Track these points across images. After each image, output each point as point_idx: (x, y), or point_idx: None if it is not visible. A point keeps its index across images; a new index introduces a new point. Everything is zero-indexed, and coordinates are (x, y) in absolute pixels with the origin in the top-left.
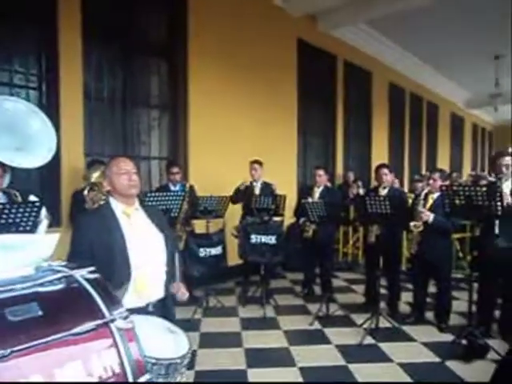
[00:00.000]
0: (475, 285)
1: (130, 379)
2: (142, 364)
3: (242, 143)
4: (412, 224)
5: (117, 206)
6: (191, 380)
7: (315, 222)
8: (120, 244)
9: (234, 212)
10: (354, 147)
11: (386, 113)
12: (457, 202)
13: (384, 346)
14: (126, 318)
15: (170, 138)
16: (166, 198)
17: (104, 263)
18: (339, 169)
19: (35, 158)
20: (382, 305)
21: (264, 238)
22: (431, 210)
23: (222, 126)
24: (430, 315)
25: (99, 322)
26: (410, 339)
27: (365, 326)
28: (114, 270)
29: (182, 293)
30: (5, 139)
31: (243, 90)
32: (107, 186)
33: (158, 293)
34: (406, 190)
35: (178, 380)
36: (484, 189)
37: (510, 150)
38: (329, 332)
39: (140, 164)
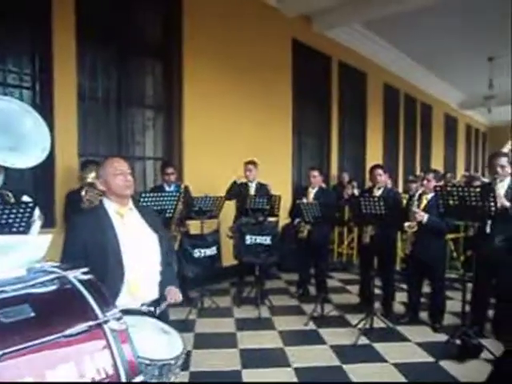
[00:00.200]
0: (469, 285)
1: (124, 380)
2: (136, 365)
3: (237, 144)
4: (406, 224)
5: (110, 206)
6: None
7: (310, 223)
8: (113, 244)
9: (229, 213)
10: (348, 148)
11: (380, 113)
12: (451, 202)
13: (378, 346)
14: (119, 319)
15: (164, 138)
16: (161, 198)
17: (97, 264)
18: (334, 169)
19: (29, 158)
20: (377, 305)
21: (259, 239)
22: (425, 210)
23: (217, 126)
24: (424, 315)
25: (92, 323)
26: (404, 339)
27: (359, 326)
28: (107, 270)
29: (175, 299)
30: None
31: (238, 91)
32: (101, 187)
33: (152, 293)
34: (400, 190)
35: (171, 380)
36: (478, 189)
37: (505, 149)
38: (323, 332)
39: (135, 164)
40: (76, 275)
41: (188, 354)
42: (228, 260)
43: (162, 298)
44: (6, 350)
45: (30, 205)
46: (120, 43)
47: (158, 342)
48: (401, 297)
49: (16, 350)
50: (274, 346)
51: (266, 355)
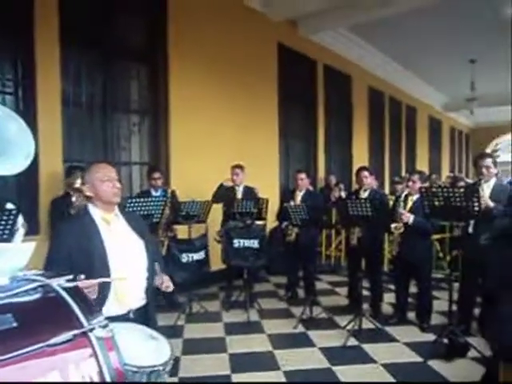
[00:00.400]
0: (455, 284)
1: None
2: (122, 373)
3: (224, 147)
4: (393, 226)
5: (96, 212)
6: None
7: (298, 226)
8: (100, 251)
9: (216, 217)
10: (335, 150)
11: (366, 116)
12: (436, 203)
13: (367, 347)
14: (105, 326)
15: (150, 143)
16: (148, 203)
17: (83, 271)
18: (321, 172)
19: (12, 165)
20: (365, 306)
21: (247, 242)
22: (411, 211)
23: (203, 130)
24: (412, 315)
25: (77, 331)
26: (392, 340)
27: (348, 327)
28: (93, 277)
29: (166, 286)
30: None
31: (224, 95)
32: (88, 192)
33: (139, 300)
34: (386, 192)
35: None
36: (462, 190)
37: (488, 150)
38: (313, 335)
39: (121, 170)
40: (60, 283)
41: (176, 360)
42: (216, 264)
43: (149, 303)
44: None
45: (14, 212)
46: (104, 48)
47: (146, 349)
48: (389, 298)
49: None
50: (264, 350)
51: (255, 359)
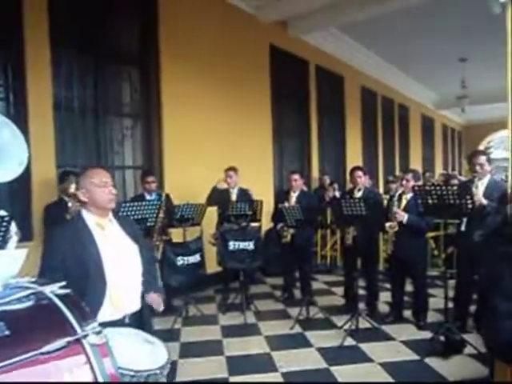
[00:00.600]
0: (451, 281)
1: None
2: (117, 378)
3: (218, 150)
4: (387, 225)
5: (90, 218)
6: None
7: (293, 227)
8: (94, 257)
9: (211, 219)
10: (328, 151)
11: (358, 116)
12: (429, 201)
13: (364, 347)
14: (98, 333)
15: (143, 146)
16: (142, 207)
17: (78, 277)
18: (315, 172)
19: (6, 171)
20: (362, 305)
21: (242, 244)
22: (405, 210)
23: (196, 133)
24: (408, 313)
25: (71, 338)
26: (389, 338)
27: (345, 327)
28: (88, 283)
29: (158, 304)
30: None
31: (217, 97)
32: (83, 197)
33: (134, 305)
34: (381, 191)
35: None
36: (455, 188)
37: (480, 147)
38: (310, 335)
39: (114, 174)
40: (53, 290)
41: (174, 364)
42: (212, 267)
43: (144, 308)
44: None
45: (6, 219)
46: (96, 51)
47: (143, 353)
48: (385, 296)
49: None
50: (261, 352)
51: (252, 361)
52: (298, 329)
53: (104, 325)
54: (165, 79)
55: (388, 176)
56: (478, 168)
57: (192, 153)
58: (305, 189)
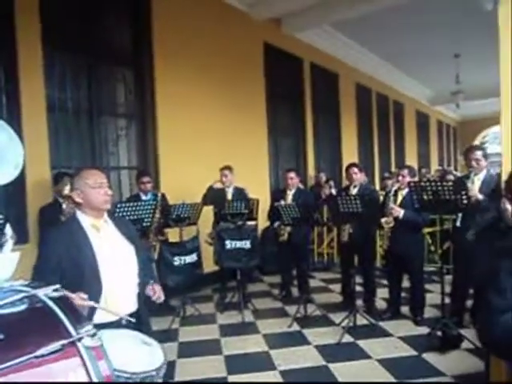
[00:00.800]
0: (447, 277)
1: None
2: (113, 380)
3: (213, 149)
4: (383, 220)
5: (84, 219)
6: None
7: (289, 225)
8: (90, 258)
9: (207, 219)
10: (324, 148)
11: (354, 113)
12: (425, 197)
13: (362, 343)
14: (93, 335)
15: (138, 147)
16: (138, 207)
17: (73, 279)
18: (311, 170)
19: (1, 175)
20: (359, 302)
21: (239, 243)
22: (401, 205)
23: (191, 132)
24: (405, 309)
25: (65, 341)
26: (387, 335)
27: (343, 324)
28: (83, 285)
29: (158, 296)
30: None
31: (211, 96)
32: (78, 199)
33: (131, 306)
34: (377, 188)
35: None
36: (450, 183)
37: (475, 142)
38: (308, 333)
39: (109, 174)
40: (47, 293)
41: (172, 364)
42: (209, 266)
43: (141, 308)
44: None
45: (1, 222)
46: (89, 52)
47: (139, 355)
48: (382, 293)
49: None
50: (259, 350)
51: (251, 360)
52: (295, 327)
53: (100, 326)
54: (159, 79)
55: (384, 173)
56: (474, 163)
57: (187, 152)
58: (301, 186)
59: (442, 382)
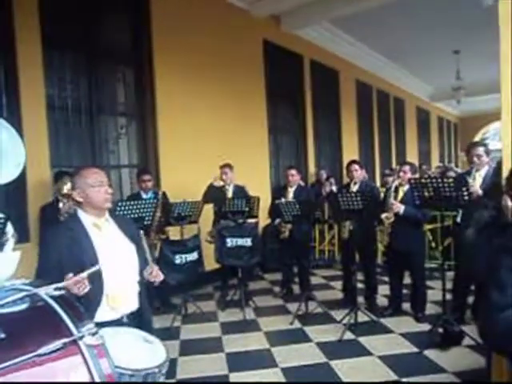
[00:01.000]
0: (448, 273)
1: None
2: (114, 378)
3: (213, 147)
4: (383, 216)
5: (85, 218)
6: None
7: (290, 222)
8: (91, 257)
9: (208, 217)
10: (324, 145)
11: (354, 110)
12: (426, 194)
13: (364, 340)
14: (94, 333)
15: (139, 145)
16: (139, 206)
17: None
18: (311, 167)
19: (3, 174)
20: (360, 299)
21: (240, 241)
22: (402, 201)
23: (192, 130)
24: (406, 306)
25: (67, 340)
26: (388, 331)
27: (344, 321)
28: None
29: (156, 275)
30: None
31: (211, 94)
32: (78, 198)
33: (132, 304)
34: (377, 184)
35: None
36: (451, 180)
37: (476, 139)
38: (309, 330)
39: (110, 173)
40: (48, 291)
41: (174, 362)
42: (210, 264)
43: (143, 306)
44: None
45: (1, 221)
46: (88, 51)
47: (141, 352)
48: (384, 289)
49: None
50: (261, 347)
51: (252, 357)
52: (297, 324)
53: (102, 324)
54: (158, 77)
55: (384, 169)
56: (475, 159)
57: (188, 150)
58: (302, 184)
59: (443, 379)
